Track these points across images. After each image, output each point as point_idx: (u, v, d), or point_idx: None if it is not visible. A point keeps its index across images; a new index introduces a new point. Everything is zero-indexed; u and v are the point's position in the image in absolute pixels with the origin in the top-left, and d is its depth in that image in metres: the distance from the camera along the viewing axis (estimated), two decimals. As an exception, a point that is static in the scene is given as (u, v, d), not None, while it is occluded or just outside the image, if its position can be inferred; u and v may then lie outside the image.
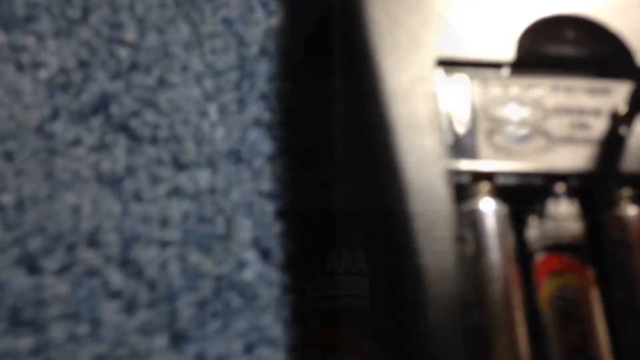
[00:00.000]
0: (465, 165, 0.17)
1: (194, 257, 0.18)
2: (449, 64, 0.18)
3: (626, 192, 0.17)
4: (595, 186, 0.17)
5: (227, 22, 0.22)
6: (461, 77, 0.18)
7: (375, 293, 0.16)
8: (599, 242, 0.17)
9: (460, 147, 0.17)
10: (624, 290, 0.16)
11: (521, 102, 0.18)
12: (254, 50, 0.22)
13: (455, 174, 0.17)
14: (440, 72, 0.18)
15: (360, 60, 0.18)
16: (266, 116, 0.21)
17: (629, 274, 0.16)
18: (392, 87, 0.17)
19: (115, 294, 0.17)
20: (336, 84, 0.19)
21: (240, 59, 0.21)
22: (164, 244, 0.18)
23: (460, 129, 0.17)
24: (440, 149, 0.17)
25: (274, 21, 0.22)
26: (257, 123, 0.20)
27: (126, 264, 0.17)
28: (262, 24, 0.22)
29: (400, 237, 0.16)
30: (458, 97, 0.18)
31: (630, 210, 0.17)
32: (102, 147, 0.19)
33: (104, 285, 0.17)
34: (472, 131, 0.17)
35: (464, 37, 0.18)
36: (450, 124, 0.17)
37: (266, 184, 0.19)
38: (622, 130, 0.17)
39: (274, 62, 0.21)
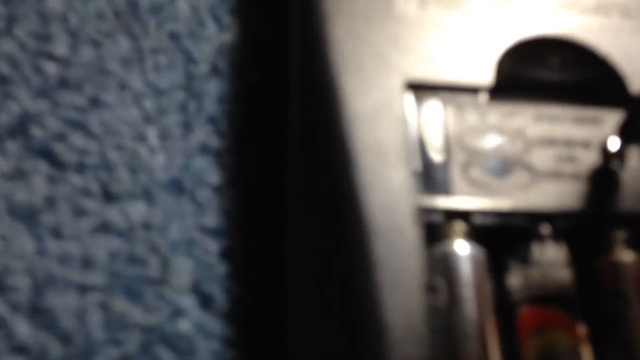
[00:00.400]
0: (438, 202, 0.15)
1: (120, 304, 0.15)
2: (419, 88, 0.16)
3: (620, 234, 0.15)
4: (586, 228, 0.15)
5: (173, 36, 0.20)
6: (434, 103, 0.16)
7: (330, 352, 0.13)
8: (590, 292, 0.15)
9: (432, 181, 0.15)
10: (620, 349, 0.14)
11: (501, 131, 0.16)
12: (203, 68, 0.20)
13: (426, 212, 0.14)
14: (410, 96, 0.16)
15: (319, 82, 0.16)
16: (214, 141, 0.18)
17: (625, 329, 0.14)
18: (355, 113, 0.15)
19: (21, 349, 0.14)
20: (292, 108, 0.17)
21: (187, 77, 0.19)
22: (84, 289, 0.15)
23: (432, 161, 0.15)
24: (409, 183, 0.15)
25: (227, 37, 0.20)
26: (204, 149, 0.18)
27: (37, 312, 0.15)
28: (214, 40, 0.20)
29: (361, 286, 0.13)
30: (430, 125, 0.16)
31: (626, 256, 0.15)
32: (18, 174, 0.17)
33: (8, 337, 0.14)
34: (445, 163, 0.15)
35: (438, 58, 0.16)
36: (421, 155, 0.15)
37: (211, 219, 0.17)
38: (614, 164, 0.15)
39: (226, 82, 0.19)
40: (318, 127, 0.15)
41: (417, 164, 0.15)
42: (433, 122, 0.16)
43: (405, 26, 0.17)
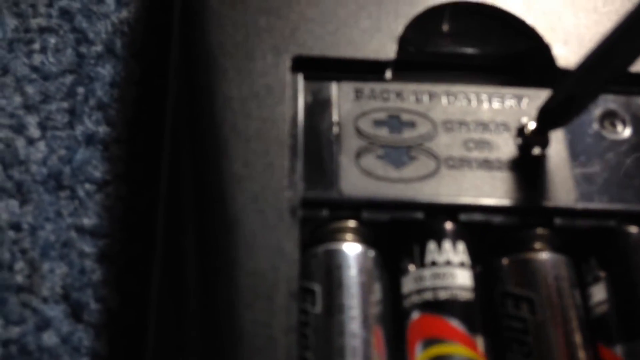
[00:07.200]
0: (322, 195, 0.14)
1: (-23, 315, 0.15)
2: (310, 66, 0.15)
3: (536, 232, 0.14)
4: (495, 224, 0.14)
5: (66, 14, 0.19)
6: (326, 82, 0.15)
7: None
8: (494, 298, 0.14)
9: (320, 171, 0.14)
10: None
11: (402, 114, 0.15)
12: (97, 48, 0.19)
13: (308, 206, 0.14)
14: (299, 75, 0.15)
15: (199, 62, 0.15)
16: (102, 131, 0.18)
17: (535, 343, 0.13)
18: (232, 95, 0.15)
19: None
20: (170, 92, 0.16)
21: (78, 59, 0.19)
22: None
23: (320, 149, 0.14)
24: (292, 174, 0.14)
25: (126, 14, 0.20)
26: (90, 140, 0.18)
27: None
28: (112, 18, 0.20)
29: (220, 293, 0.13)
30: (320, 107, 0.15)
31: (540, 256, 0.14)
32: None
33: None
34: (335, 151, 0.14)
35: (331, 32, 0.15)
36: (307, 142, 0.14)
37: (90, 219, 0.17)
38: (533, 150, 0.15)
39: (121, 64, 0.19)
40: (191, 114, 0.15)
41: (303, 152, 0.14)
42: (323, 104, 0.15)
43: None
